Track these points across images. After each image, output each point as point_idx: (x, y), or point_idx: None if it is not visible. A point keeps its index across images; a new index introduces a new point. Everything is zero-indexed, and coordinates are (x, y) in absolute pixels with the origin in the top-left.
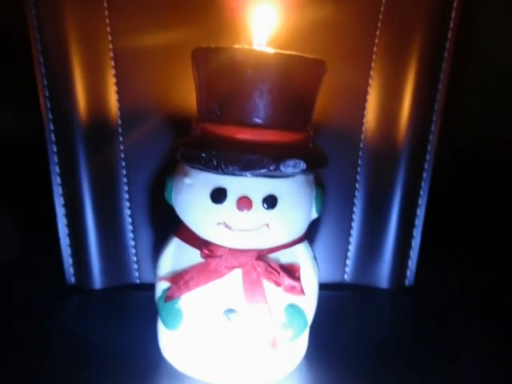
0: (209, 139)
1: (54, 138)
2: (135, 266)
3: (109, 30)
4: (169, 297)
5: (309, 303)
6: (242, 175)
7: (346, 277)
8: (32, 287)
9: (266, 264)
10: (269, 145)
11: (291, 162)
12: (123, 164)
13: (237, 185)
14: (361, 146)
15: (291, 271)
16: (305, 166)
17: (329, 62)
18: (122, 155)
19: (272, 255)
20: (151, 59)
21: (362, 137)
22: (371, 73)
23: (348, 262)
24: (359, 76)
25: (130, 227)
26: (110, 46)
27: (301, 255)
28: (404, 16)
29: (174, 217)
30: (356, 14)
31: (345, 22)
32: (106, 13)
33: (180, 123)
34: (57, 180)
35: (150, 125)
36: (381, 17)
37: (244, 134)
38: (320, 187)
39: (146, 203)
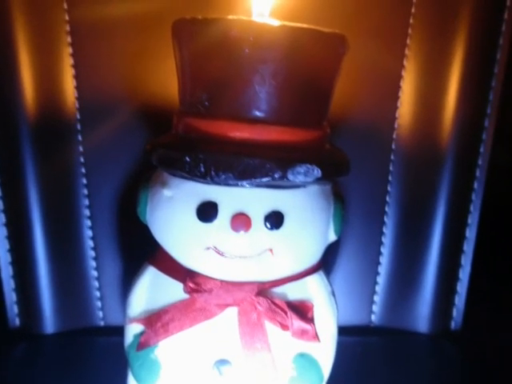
0: (195, 138)
1: None
2: (98, 304)
3: None
4: (142, 344)
5: (325, 352)
6: (237, 185)
7: (373, 318)
8: None
9: (270, 301)
10: (273, 146)
11: (302, 169)
12: (83, 171)
13: (231, 198)
14: (393, 147)
15: (302, 311)
16: (320, 173)
17: (351, 37)
18: (82, 159)
19: (277, 289)
20: (120, 34)
21: (395, 135)
22: (406, 52)
23: (376, 298)
24: (390, 56)
25: (92, 253)
26: (66, 17)
27: (314, 290)
28: None
29: (150, 239)
30: None
31: None
32: None
33: (157, 117)
34: None
35: (118, 120)
36: None
37: (240, 132)
38: (339, 201)
39: (113, 222)
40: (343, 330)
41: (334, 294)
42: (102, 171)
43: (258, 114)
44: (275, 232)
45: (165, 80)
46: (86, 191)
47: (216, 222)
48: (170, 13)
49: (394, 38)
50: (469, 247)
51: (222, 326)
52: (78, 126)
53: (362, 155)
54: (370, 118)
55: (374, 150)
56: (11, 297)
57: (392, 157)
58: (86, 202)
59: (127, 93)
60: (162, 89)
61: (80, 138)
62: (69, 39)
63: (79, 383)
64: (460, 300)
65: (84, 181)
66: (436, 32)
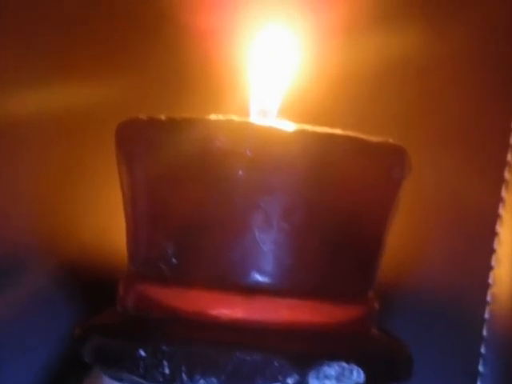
0: (154, 319)
1: None
2: None
3: None
4: None
5: None
6: None
7: None
8: None
9: None
10: (284, 331)
11: (332, 369)
12: None
13: None
14: (484, 333)
15: None
16: (362, 376)
17: (414, 152)
18: None
19: None
20: (29, 144)
21: (487, 315)
22: (506, 176)
23: None
24: (481, 184)
25: None
26: None
27: None
28: None
29: None
30: (467, 51)
31: (445, 70)
32: None
33: (92, 284)
34: None
35: (28, 286)
36: None
37: (230, 309)
38: None
39: None
40: None
41: None
42: (5, 370)
43: (258, 278)
44: None
45: (104, 220)
46: None
47: None
48: (113, 108)
49: (485, 156)
50: None
51: None
52: None
53: (434, 347)
54: (446, 286)
55: (453, 338)
56: None
57: (482, 349)
58: None
59: (42, 241)
60: (98, 235)
61: None
62: None
63: None
64: None
65: None
66: None
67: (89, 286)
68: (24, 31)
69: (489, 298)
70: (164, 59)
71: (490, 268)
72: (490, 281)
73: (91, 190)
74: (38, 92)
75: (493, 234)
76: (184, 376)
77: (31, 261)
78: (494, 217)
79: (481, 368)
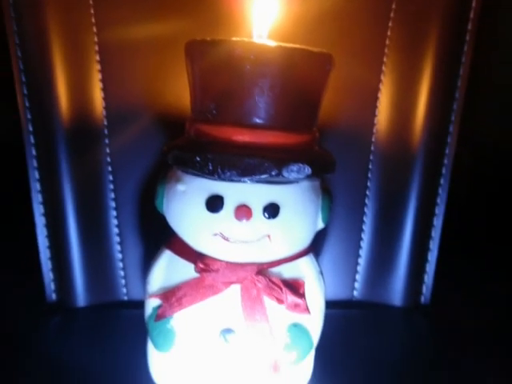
0: (204, 141)
1: (32, 140)
2: (123, 282)
3: (93, 20)
4: (160, 315)
5: (314, 322)
6: (240, 181)
7: (355, 293)
8: (8, 305)
9: (267, 279)
10: (270, 147)
11: (295, 167)
12: (109, 169)
13: (235, 192)
14: (372, 148)
15: (295, 287)
16: (310, 170)
17: (336, 56)
18: (108, 159)
19: (274, 269)
20: (140, 53)
21: (373, 139)
22: (383, 68)
23: (357, 276)
24: (370, 72)
25: (117, 239)
26: (95, 39)
27: (305, 270)
28: (419, 5)
29: (166, 227)
30: (366, 3)
31: (354, 13)
32: (91, 1)
33: (172, 124)
34: (36, 186)
35: (139, 126)
36: (394, 6)
37: (243, 136)
38: (327, 194)
39: (135, 212)
40: (329, 304)
41: (322, 273)
42: (126, 169)
43: (257, 120)
44: (272, 221)
45: (179, 92)
46: (112, 186)
47: (222, 212)
48: (183, 35)
49: (373, 57)
50: (436, 233)
51: (227, 301)
52: (106, 131)
53: (345, 156)
54: (352, 124)
55: (355, 151)
56: (49, 276)
57: (371, 157)
58: (112, 195)
59: (147, 103)
60: (176, 99)
61: (107, 141)
62: (97, 58)
63: (106, 349)
64: (428, 278)
65: (110, 177)
66: (408, 52)
67: (171, 124)
68: None
69: (374, 131)
70: (208, 10)
71: (374, 115)
72: (375, 122)
73: (173, 77)
74: (142, 27)
75: (376, 98)
76: (219, 170)
77: (141, 112)
78: (377, 89)
79: (370, 166)
